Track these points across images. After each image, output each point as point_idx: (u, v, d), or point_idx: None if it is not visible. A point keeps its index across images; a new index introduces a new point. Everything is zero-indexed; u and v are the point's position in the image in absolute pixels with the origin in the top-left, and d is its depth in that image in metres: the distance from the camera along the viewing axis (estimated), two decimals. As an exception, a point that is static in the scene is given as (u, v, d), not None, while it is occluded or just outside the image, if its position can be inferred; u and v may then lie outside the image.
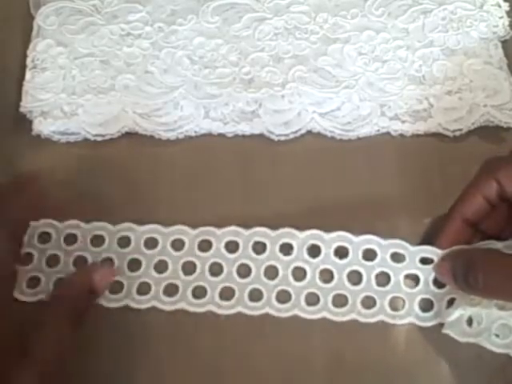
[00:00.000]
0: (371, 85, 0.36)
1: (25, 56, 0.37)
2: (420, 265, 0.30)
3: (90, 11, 0.38)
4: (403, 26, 0.38)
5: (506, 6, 0.39)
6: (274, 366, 0.30)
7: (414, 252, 0.30)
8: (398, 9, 0.39)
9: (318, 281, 0.30)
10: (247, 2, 0.39)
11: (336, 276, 0.30)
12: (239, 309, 0.30)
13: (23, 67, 0.37)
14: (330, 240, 0.30)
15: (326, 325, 0.31)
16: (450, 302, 0.30)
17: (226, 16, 0.39)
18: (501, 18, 0.39)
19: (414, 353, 0.31)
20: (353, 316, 0.30)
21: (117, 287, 0.30)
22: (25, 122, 0.35)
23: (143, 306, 0.30)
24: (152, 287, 0.30)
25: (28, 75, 0.36)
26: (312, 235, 0.30)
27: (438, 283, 0.30)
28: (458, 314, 0.29)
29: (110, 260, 0.31)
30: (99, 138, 0.35)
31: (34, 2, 0.39)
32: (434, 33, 0.38)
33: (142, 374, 0.30)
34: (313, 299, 0.30)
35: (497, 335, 0.29)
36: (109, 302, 0.30)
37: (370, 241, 0.30)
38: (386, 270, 0.30)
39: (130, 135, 0.35)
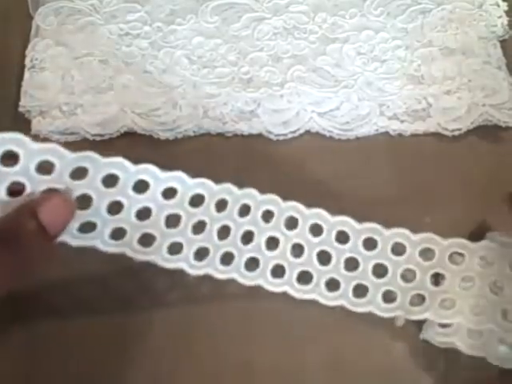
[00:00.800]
0: (370, 84, 0.36)
1: (24, 56, 0.37)
2: (391, 255, 0.30)
3: (89, 11, 0.38)
4: (402, 25, 0.38)
5: (504, 6, 0.39)
6: (273, 367, 0.30)
7: (388, 237, 0.30)
8: (397, 8, 0.39)
9: (288, 253, 0.29)
10: (246, 2, 0.39)
11: (306, 252, 0.30)
12: (209, 270, 0.28)
13: (22, 67, 0.37)
14: (309, 216, 0.29)
15: (325, 325, 0.31)
16: (415, 298, 0.30)
17: (225, 16, 0.39)
18: (499, 17, 0.39)
19: (414, 352, 0.31)
20: (313, 296, 0.29)
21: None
22: (24, 122, 0.35)
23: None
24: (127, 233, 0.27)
25: (27, 75, 0.36)
26: (292, 207, 0.29)
27: (404, 277, 0.30)
28: (428, 316, 0.29)
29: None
30: (98, 138, 0.35)
31: (33, 2, 0.39)
32: (432, 32, 0.38)
33: (137, 373, 0.30)
34: (279, 272, 0.29)
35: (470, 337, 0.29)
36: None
37: (345, 223, 0.30)
38: (355, 256, 0.30)
39: (128, 135, 0.35)
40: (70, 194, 0.24)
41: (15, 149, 0.24)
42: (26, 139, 0.24)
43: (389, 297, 0.30)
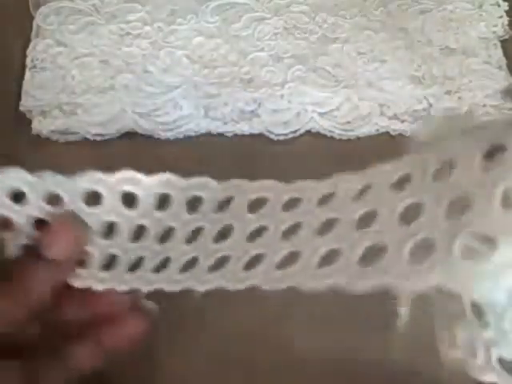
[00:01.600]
0: (370, 84, 0.37)
1: (25, 56, 0.37)
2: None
3: (90, 11, 0.38)
4: (402, 25, 0.38)
5: (505, 6, 0.39)
6: (272, 365, 0.30)
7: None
8: (398, 8, 0.39)
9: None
10: (247, 2, 0.39)
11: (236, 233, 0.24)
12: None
13: (23, 67, 0.37)
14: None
15: (325, 323, 0.31)
16: None
17: (225, 16, 0.39)
18: (500, 17, 0.39)
19: (414, 352, 0.31)
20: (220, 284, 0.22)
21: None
22: (24, 122, 0.35)
23: None
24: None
25: (28, 75, 0.36)
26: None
27: None
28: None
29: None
30: (98, 138, 0.35)
31: (34, 2, 0.39)
32: (433, 32, 0.38)
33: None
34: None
35: None
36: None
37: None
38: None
39: (129, 135, 0.35)
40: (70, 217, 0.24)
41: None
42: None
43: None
